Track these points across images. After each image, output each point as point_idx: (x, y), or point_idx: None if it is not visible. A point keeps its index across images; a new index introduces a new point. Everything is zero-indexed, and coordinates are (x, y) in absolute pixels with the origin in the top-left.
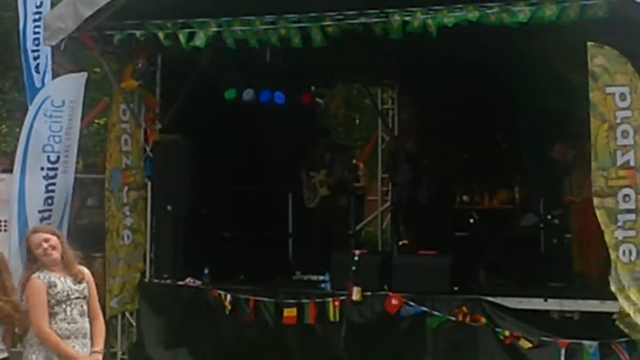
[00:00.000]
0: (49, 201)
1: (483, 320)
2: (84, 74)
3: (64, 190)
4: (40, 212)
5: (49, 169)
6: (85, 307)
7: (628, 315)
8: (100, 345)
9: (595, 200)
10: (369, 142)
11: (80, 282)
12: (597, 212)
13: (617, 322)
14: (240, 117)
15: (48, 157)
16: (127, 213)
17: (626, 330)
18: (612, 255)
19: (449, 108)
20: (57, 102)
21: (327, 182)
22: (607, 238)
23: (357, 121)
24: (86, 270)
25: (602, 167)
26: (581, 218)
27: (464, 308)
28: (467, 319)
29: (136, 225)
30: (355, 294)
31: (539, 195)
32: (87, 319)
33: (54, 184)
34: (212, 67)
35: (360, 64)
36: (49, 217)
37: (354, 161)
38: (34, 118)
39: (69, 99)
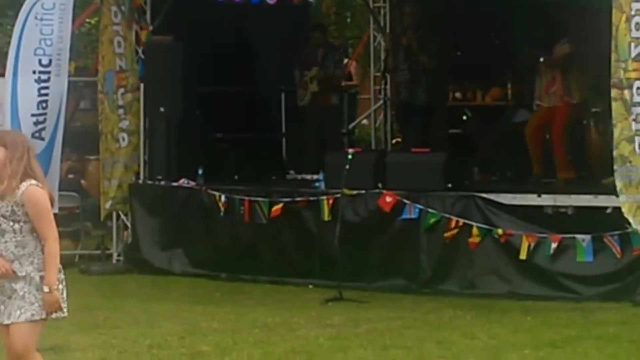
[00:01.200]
0: (43, 105)
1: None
2: None
3: (57, 94)
4: (33, 115)
5: (41, 72)
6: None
7: (627, 213)
8: (49, 282)
9: (613, 92)
10: (361, 41)
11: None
12: (614, 105)
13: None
14: (232, 17)
15: (40, 60)
16: (123, 115)
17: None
18: (626, 149)
19: (444, 5)
20: (48, 4)
21: (317, 78)
22: (621, 131)
23: (349, 20)
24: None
25: (621, 58)
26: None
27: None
28: (460, 225)
29: (133, 127)
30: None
31: (531, 92)
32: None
33: (47, 87)
34: None
35: None
36: (44, 120)
37: (346, 60)
38: (25, 21)
39: (60, 1)
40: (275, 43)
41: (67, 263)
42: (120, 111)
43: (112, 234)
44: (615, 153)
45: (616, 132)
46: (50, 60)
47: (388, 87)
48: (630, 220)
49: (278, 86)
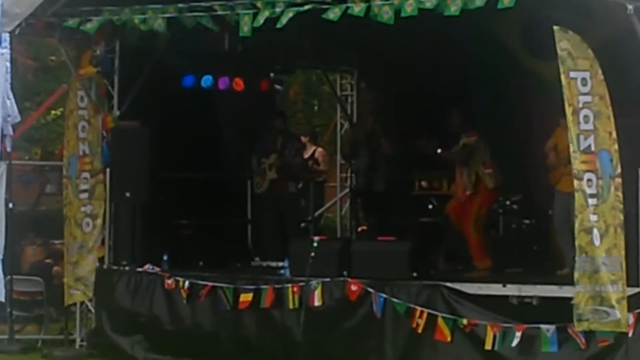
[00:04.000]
0: None
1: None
2: (6, 54)
3: None
4: None
5: None
6: None
7: (578, 305)
8: None
9: (575, 183)
10: (328, 128)
11: None
12: (577, 195)
13: (576, 309)
14: (199, 104)
15: None
16: (86, 200)
17: (578, 323)
18: (584, 240)
19: (407, 95)
20: None
21: (275, 165)
22: (581, 222)
23: (316, 108)
24: None
25: (574, 149)
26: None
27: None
28: (425, 315)
29: (96, 212)
30: (317, 299)
31: (505, 183)
32: None
33: None
34: (170, 54)
35: (319, 51)
36: None
37: (314, 148)
38: None
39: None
40: (242, 129)
41: (29, 348)
42: (83, 195)
43: (75, 319)
44: (576, 243)
45: (577, 223)
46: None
47: (354, 174)
48: (580, 310)
49: (244, 172)
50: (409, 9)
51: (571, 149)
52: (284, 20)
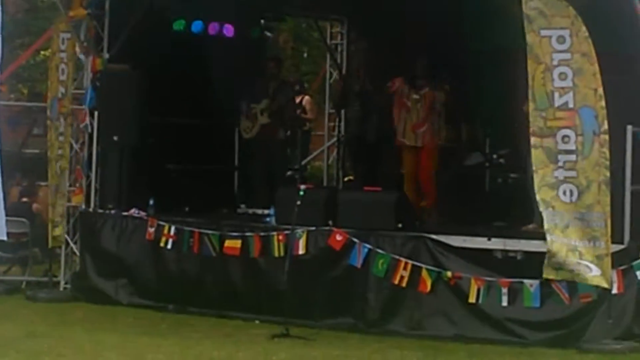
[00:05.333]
0: None
1: (426, 270)
2: None
3: None
4: None
5: None
6: None
7: (556, 253)
8: None
9: (533, 140)
10: (317, 77)
11: None
12: (534, 152)
13: (546, 264)
14: (188, 49)
15: None
16: (63, 142)
17: (552, 272)
18: (548, 195)
19: (397, 45)
20: None
21: (268, 110)
22: (542, 177)
23: (305, 55)
24: None
25: (540, 107)
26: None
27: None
28: (409, 267)
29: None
30: (302, 248)
31: (485, 135)
32: None
33: None
34: None
35: None
36: None
37: (302, 95)
38: None
39: None
40: (231, 76)
41: (14, 289)
42: (61, 138)
43: (59, 261)
44: (537, 197)
45: (537, 178)
46: None
47: (342, 124)
48: (560, 259)
49: (232, 119)
50: None
51: (531, 107)
52: None
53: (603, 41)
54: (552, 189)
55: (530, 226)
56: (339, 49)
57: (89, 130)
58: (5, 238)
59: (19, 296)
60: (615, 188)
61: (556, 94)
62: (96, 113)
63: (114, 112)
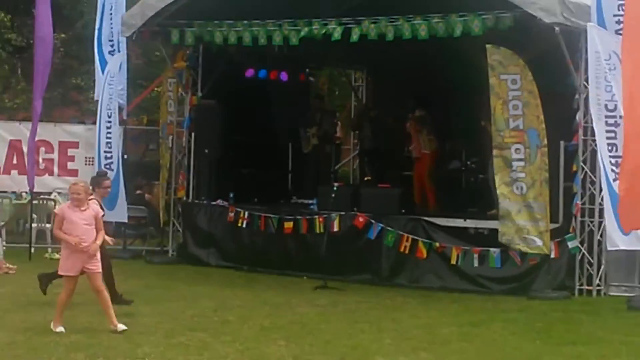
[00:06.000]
0: (109, 145)
1: (421, 242)
2: (123, 54)
3: (116, 138)
4: (105, 152)
5: (107, 122)
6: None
7: (509, 231)
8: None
9: (494, 151)
10: (345, 109)
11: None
12: (495, 160)
13: (501, 237)
14: (256, 89)
15: (108, 113)
16: (175, 156)
17: (508, 243)
18: (505, 190)
19: (401, 87)
20: (114, 70)
21: (316, 135)
22: (501, 178)
23: (337, 93)
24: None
25: (499, 129)
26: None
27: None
28: (410, 239)
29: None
30: (336, 227)
31: (461, 148)
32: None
33: (110, 133)
34: (237, 53)
35: (340, 55)
36: (111, 157)
37: (335, 121)
38: (104, 83)
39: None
40: (287, 107)
41: (136, 256)
42: (173, 152)
43: (169, 236)
44: (498, 192)
45: (497, 179)
46: (110, 114)
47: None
48: (509, 237)
49: (287, 139)
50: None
51: (493, 129)
52: (336, 34)
53: (543, 83)
54: (508, 186)
55: (493, 211)
56: (360, 89)
57: (188, 145)
58: (126, 220)
59: (140, 261)
60: (553, 184)
61: (510, 120)
62: (193, 134)
63: (204, 133)
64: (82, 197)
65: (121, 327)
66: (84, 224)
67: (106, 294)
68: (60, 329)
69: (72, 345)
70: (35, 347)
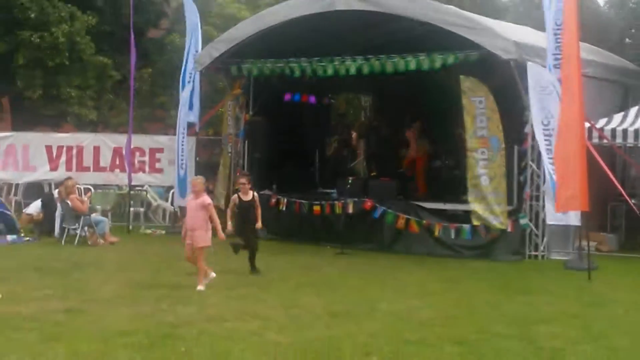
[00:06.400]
0: (182, 150)
1: (413, 220)
2: (196, 84)
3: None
4: (180, 156)
5: (182, 133)
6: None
7: (477, 211)
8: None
9: (468, 153)
10: (357, 123)
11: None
12: (468, 159)
13: (471, 216)
14: (292, 108)
15: (183, 127)
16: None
17: (476, 221)
18: (474, 182)
19: (398, 107)
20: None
21: (336, 142)
22: (472, 173)
23: (351, 112)
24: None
25: (470, 136)
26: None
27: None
28: (404, 218)
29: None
30: (351, 209)
31: (442, 151)
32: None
33: (184, 143)
34: (278, 82)
35: (353, 84)
36: (183, 159)
37: (350, 132)
38: (180, 109)
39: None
40: (314, 122)
41: None
42: (230, 154)
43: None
44: (469, 183)
45: (469, 173)
46: (184, 128)
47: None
48: (480, 217)
49: (314, 145)
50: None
51: (467, 136)
52: (352, 70)
53: (502, 102)
54: (476, 179)
55: (465, 197)
56: (367, 108)
57: (242, 150)
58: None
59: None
60: (509, 177)
61: (478, 130)
62: (246, 142)
63: (254, 142)
64: (198, 189)
65: (200, 287)
66: (194, 209)
67: (200, 262)
68: (210, 276)
69: (162, 297)
70: (138, 297)
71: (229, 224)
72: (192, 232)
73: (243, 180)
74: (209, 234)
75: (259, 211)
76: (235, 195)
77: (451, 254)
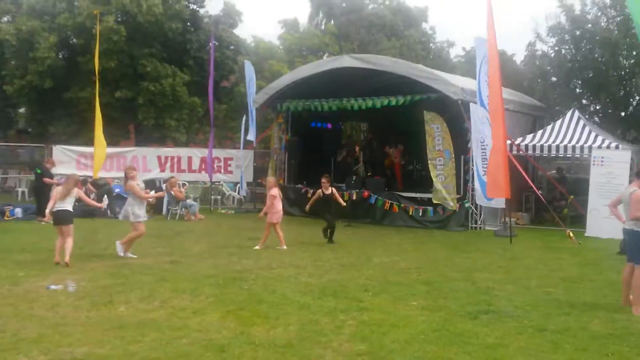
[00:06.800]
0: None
1: (395, 204)
2: (253, 116)
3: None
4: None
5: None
6: None
7: (437, 198)
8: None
9: (429, 161)
10: (358, 141)
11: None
12: (429, 165)
13: (433, 201)
14: (315, 132)
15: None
16: (278, 164)
17: (437, 203)
18: (435, 179)
19: (385, 130)
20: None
21: (345, 153)
22: (433, 173)
23: (355, 133)
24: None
25: (431, 150)
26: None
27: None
28: (389, 202)
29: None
30: (355, 197)
31: (413, 158)
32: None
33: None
34: (307, 114)
35: (355, 115)
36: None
37: (354, 146)
38: (244, 131)
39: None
40: (330, 140)
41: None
42: (276, 163)
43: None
44: (433, 180)
45: (432, 174)
46: (247, 142)
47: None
48: (438, 201)
49: (331, 155)
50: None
51: (428, 149)
52: (356, 106)
53: (452, 127)
54: (436, 177)
55: (430, 189)
56: (365, 131)
57: (284, 159)
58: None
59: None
60: (457, 176)
61: (436, 146)
62: (286, 154)
63: (292, 153)
64: (270, 185)
65: (283, 247)
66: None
67: (279, 231)
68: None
69: (232, 253)
70: (216, 253)
71: (307, 207)
72: (269, 214)
73: (324, 180)
74: (277, 214)
75: (340, 199)
76: (320, 190)
77: (420, 226)
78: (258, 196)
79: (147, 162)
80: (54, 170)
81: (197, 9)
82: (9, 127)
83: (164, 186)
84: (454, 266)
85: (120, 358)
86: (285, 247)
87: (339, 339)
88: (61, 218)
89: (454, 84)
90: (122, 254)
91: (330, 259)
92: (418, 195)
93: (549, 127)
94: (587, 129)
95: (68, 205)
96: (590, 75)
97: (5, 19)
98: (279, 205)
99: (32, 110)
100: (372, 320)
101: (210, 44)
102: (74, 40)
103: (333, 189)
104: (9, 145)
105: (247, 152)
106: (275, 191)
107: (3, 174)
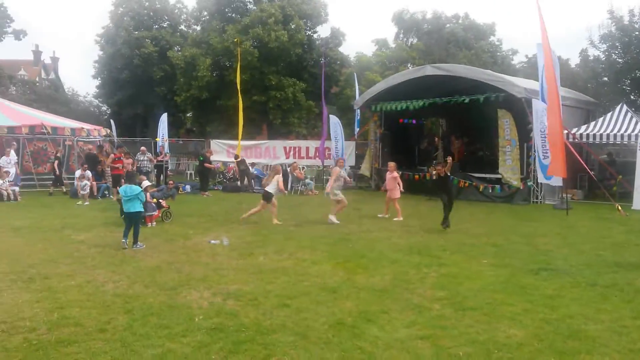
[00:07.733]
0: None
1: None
2: (357, 115)
3: (348, 146)
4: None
5: (335, 138)
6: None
7: (504, 177)
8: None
9: (499, 148)
10: (437, 133)
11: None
12: (499, 151)
13: (501, 180)
14: (404, 126)
15: (335, 136)
16: (374, 152)
17: (504, 182)
18: (503, 163)
19: (457, 124)
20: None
21: (426, 142)
22: (502, 158)
23: (434, 127)
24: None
25: (501, 139)
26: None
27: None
28: (463, 182)
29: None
30: (434, 176)
31: (483, 145)
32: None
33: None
34: (397, 112)
35: (435, 112)
36: (337, 153)
37: (434, 137)
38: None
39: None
40: (415, 133)
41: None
42: (373, 151)
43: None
44: (502, 166)
45: (500, 158)
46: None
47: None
48: (506, 180)
49: (415, 144)
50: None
51: (499, 139)
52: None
53: (518, 121)
54: (505, 161)
55: (498, 171)
56: (442, 125)
57: (379, 148)
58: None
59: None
60: (522, 160)
61: (505, 136)
62: (380, 144)
63: (384, 144)
64: (391, 169)
65: (400, 218)
66: (390, 179)
67: (397, 206)
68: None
69: (340, 219)
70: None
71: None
72: (389, 190)
73: (439, 167)
74: (397, 191)
75: (451, 185)
76: (436, 175)
77: (489, 200)
78: (357, 177)
79: (277, 151)
80: (212, 158)
81: (312, 33)
82: (180, 127)
83: (288, 169)
84: (518, 232)
85: (261, 294)
86: (401, 218)
87: (423, 287)
88: (264, 196)
89: (518, 84)
90: (335, 222)
91: (415, 225)
92: (487, 175)
93: (600, 119)
94: (634, 120)
95: (270, 188)
96: (638, 74)
97: (176, 48)
98: (399, 185)
99: (195, 114)
100: (449, 273)
101: (322, 61)
102: (223, 61)
103: (447, 173)
104: (180, 140)
105: (350, 143)
106: (396, 174)
107: (177, 160)
